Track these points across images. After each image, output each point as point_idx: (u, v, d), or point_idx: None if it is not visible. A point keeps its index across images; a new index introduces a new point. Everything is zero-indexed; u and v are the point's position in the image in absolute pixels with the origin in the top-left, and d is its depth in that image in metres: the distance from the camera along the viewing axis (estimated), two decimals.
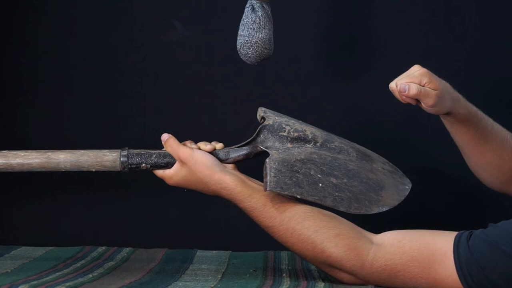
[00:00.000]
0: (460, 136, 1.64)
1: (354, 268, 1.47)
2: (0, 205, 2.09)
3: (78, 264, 1.72)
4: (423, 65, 2.08)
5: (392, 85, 1.56)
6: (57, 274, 1.59)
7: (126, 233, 2.05)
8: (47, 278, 1.54)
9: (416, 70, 1.56)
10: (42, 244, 1.94)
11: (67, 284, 1.47)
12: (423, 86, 1.54)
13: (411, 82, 1.54)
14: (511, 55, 2.07)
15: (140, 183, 1.98)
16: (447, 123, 1.64)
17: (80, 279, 1.54)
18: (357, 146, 1.64)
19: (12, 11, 2.10)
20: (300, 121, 1.63)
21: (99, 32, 2.10)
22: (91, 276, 1.58)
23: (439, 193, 2.06)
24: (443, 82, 1.57)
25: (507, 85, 2.07)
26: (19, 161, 1.56)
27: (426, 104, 1.55)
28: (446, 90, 1.56)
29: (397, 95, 1.56)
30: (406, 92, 1.53)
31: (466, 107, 1.60)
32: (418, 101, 1.56)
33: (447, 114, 1.59)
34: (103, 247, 1.92)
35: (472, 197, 1.88)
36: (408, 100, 1.55)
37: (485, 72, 2.08)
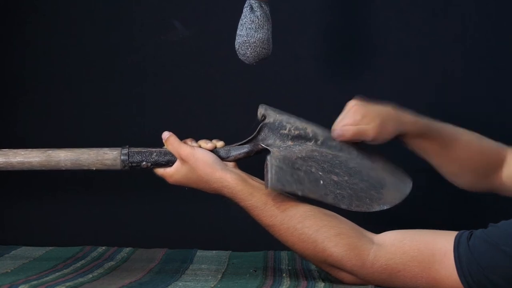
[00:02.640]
0: (422, 150, 1.64)
1: (355, 267, 1.47)
2: (0, 205, 2.09)
3: (78, 264, 1.72)
4: (424, 65, 2.08)
5: (333, 133, 1.57)
6: (57, 274, 1.59)
7: (126, 233, 2.05)
8: (47, 278, 1.54)
9: (349, 109, 1.57)
10: (42, 244, 1.94)
11: (67, 284, 1.47)
12: (358, 124, 1.54)
13: (345, 124, 1.55)
14: (511, 55, 2.07)
15: (140, 183, 1.97)
16: (404, 142, 1.63)
17: (80, 279, 1.53)
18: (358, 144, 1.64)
19: (12, 11, 2.10)
20: (301, 119, 1.62)
21: (99, 32, 2.10)
22: (91, 276, 1.58)
23: (439, 193, 2.06)
24: (382, 108, 1.57)
25: (507, 85, 2.07)
26: (19, 159, 1.56)
27: (367, 140, 1.56)
28: (386, 117, 1.56)
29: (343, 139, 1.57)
30: (343, 137, 1.55)
31: (415, 124, 1.59)
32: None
33: (398, 136, 1.59)
34: (103, 247, 1.92)
35: (472, 197, 1.88)
36: (355, 139, 1.56)
37: (485, 72, 2.08)
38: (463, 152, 1.63)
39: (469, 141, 1.65)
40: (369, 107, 1.56)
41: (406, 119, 1.59)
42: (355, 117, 1.55)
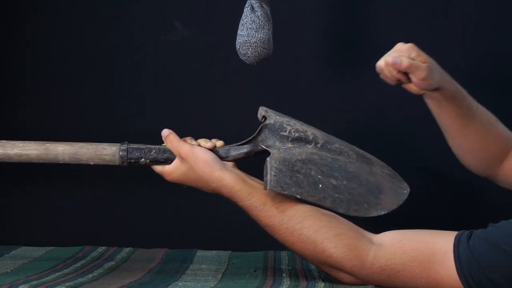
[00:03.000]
0: (445, 116, 1.59)
1: (354, 268, 1.47)
2: (0, 205, 2.09)
3: (78, 264, 1.71)
4: None
5: (380, 63, 1.52)
6: (57, 274, 1.59)
7: (126, 233, 2.05)
8: (47, 278, 1.54)
9: (402, 45, 1.53)
10: (42, 244, 1.94)
11: (67, 284, 1.47)
12: (413, 59, 1.50)
13: (401, 56, 1.50)
14: (511, 55, 2.07)
15: (140, 183, 1.98)
16: (434, 102, 1.58)
17: (80, 279, 1.53)
18: (357, 148, 1.64)
19: (12, 11, 2.10)
20: (301, 122, 1.63)
21: (99, 32, 2.10)
22: (91, 276, 1.58)
23: (439, 193, 2.06)
24: (430, 57, 1.54)
25: (508, 85, 2.07)
26: (17, 151, 1.55)
27: (418, 77, 1.50)
28: (434, 64, 1.53)
29: (386, 72, 1.52)
30: (398, 64, 1.49)
31: (452, 83, 1.56)
32: (407, 77, 1.51)
33: (436, 90, 1.54)
34: (103, 247, 1.92)
35: (472, 197, 1.88)
36: (399, 76, 1.51)
37: (485, 72, 2.08)
38: (481, 129, 1.59)
39: (488, 120, 1.61)
40: (421, 50, 1.52)
41: (447, 76, 1.56)
42: (411, 53, 1.50)
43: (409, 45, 1.52)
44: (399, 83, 1.54)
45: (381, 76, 1.54)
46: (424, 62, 1.50)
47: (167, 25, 2.07)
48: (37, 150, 1.55)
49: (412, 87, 1.53)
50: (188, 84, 2.09)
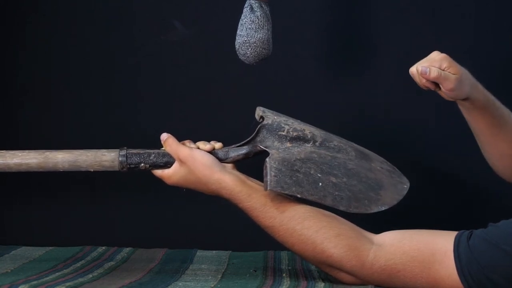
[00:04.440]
0: (476, 123, 1.63)
1: (355, 268, 1.47)
2: (0, 205, 2.09)
3: (78, 264, 1.72)
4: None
5: (413, 69, 1.57)
6: (57, 274, 1.59)
7: (126, 233, 2.05)
8: (47, 278, 1.54)
9: (436, 55, 1.57)
10: (42, 244, 1.94)
11: (67, 284, 1.47)
12: (443, 70, 1.54)
13: (432, 66, 1.54)
14: (511, 55, 2.07)
15: (140, 183, 1.97)
16: (465, 110, 1.63)
17: (80, 279, 1.53)
18: (355, 145, 1.65)
19: (12, 11, 2.10)
20: (299, 121, 1.63)
21: (99, 32, 2.10)
22: (91, 276, 1.58)
23: (439, 193, 2.06)
24: (463, 68, 1.57)
25: (508, 85, 2.07)
26: (16, 161, 1.55)
27: (446, 88, 1.55)
28: (465, 76, 1.57)
29: (417, 79, 1.57)
30: (427, 74, 1.54)
31: (483, 94, 1.60)
32: (437, 86, 1.56)
33: (465, 99, 1.59)
34: (103, 247, 1.92)
35: (472, 197, 1.88)
36: (428, 85, 1.56)
37: (485, 72, 2.08)
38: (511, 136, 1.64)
39: None
40: (454, 61, 1.57)
41: (479, 87, 1.60)
42: (442, 63, 1.54)
43: (443, 55, 1.56)
44: (430, 89, 1.58)
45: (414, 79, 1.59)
46: (454, 74, 1.54)
47: (167, 25, 2.07)
48: (37, 159, 1.55)
49: (442, 95, 1.58)
50: (187, 84, 2.09)
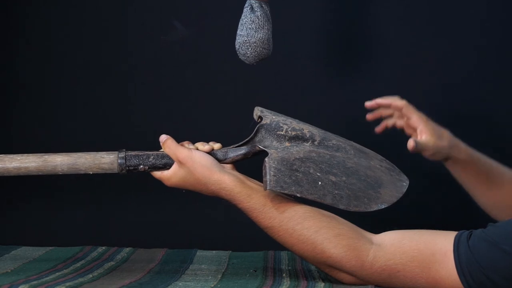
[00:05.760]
0: (464, 179, 1.73)
1: (354, 268, 1.47)
2: (0, 205, 2.09)
3: (78, 264, 1.72)
4: (424, 65, 2.08)
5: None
6: (57, 274, 1.59)
7: (126, 233, 2.05)
8: (47, 278, 1.54)
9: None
10: (42, 244, 1.94)
11: (67, 284, 1.47)
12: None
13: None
14: (511, 55, 2.07)
15: (140, 183, 1.97)
16: (449, 167, 1.72)
17: (80, 279, 1.54)
18: (354, 144, 1.65)
19: (12, 11, 2.10)
20: (297, 120, 1.63)
21: (99, 32, 2.10)
22: (91, 276, 1.58)
23: (439, 193, 2.06)
24: (441, 129, 1.68)
25: (508, 85, 2.07)
26: (15, 165, 1.55)
27: (425, 154, 1.67)
28: (442, 135, 1.68)
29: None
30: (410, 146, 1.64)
31: (465, 152, 1.69)
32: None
33: (446, 159, 1.69)
34: (103, 247, 1.92)
35: (472, 197, 1.88)
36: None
37: (486, 72, 2.08)
38: (505, 188, 1.70)
39: (510, 179, 1.71)
40: (431, 123, 1.68)
41: (460, 145, 1.69)
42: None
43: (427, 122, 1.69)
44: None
45: None
46: (435, 139, 1.67)
47: (167, 25, 2.07)
48: (36, 162, 1.55)
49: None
50: (187, 84, 2.09)
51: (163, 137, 1.59)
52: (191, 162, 1.54)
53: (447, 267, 1.42)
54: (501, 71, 2.07)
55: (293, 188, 1.49)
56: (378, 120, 1.94)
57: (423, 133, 1.66)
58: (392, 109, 1.73)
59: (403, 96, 2.04)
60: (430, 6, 2.07)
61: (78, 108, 2.11)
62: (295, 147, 1.57)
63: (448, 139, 1.68)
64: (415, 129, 1.70)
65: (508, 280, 1.37)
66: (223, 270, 1.68)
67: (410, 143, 1.62)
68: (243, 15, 1.73)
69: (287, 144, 1.58)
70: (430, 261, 1.43)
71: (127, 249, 1.92)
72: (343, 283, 1.51)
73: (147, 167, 1.57)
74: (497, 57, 2.07)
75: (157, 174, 1.58)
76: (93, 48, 2.11)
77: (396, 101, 1.73)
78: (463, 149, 1.69)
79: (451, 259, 1.41)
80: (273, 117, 1.61)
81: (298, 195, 1.50)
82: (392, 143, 2.02)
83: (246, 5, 1.73)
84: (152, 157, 1.57)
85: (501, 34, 2.06)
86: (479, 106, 2.08)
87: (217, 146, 1.59)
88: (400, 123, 1.75)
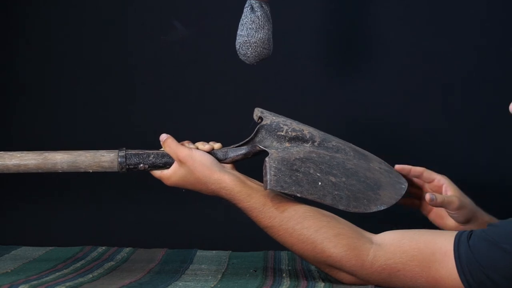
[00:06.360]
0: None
1: (354, 268, 1.47)
2: (0, 205, 2.09)
3: (78, 264, 1.72)
4: (424, 65, 2.09)
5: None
6: (57, 274, 1.59)
7: (126, 233, 2.05)
8: (47, 278, 1.54)
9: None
10: (42, 244, 1.94)
11: (67, 284, 1.47)
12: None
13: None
14: (511, 55, 2.07)
15: (140, 183, 1.98)
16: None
17: (80, 279, 1.54)
18: (353, 146, 1.65)
19: (12, 11, 2.10)
20: (297, 121, 1.63)
21: (99, 32, 2.10)
22: (91, 276, 1.58)
23: None
24: (467, 197, 1.64)
25: (508, 84, 2.07)
26: (15, 162, 1.55)
27: (450, 209, 1.61)
28: (464, 195, 1.64)
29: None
30: (434, 201, 1.58)
31: (487, 217, 1.65)
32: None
33: (469, 220, 1.63)
34: (103, 247, 1.92)
35: (471, 197, 1.88)
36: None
37: (486, 72, 2.08)
38: None
39: None
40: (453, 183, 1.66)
41: (479, 213, 1.65)
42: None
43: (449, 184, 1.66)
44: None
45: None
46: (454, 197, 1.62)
47: (167, 25, 2.07)
48: (36, 160, 1.55)
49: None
50: (187, 84, 2.09)
51: (163, 136, 1.59)
52: (191, 161, 1.54)
53: (447, 267, 1.42)
54: (501, 71, 2.07)
55: (293, 188, 1.49)
56: (378, 120, 1.96)
57: (448, 190, 1.63)
58: (412, 176, 1.67)
59: (403, 96, 2.04)
60: (430, 6, 2.07)
61: (78, 108, 2.11)
62: (295, 147, 1.57)
63: (470, 201, 1.65)
64: (440, 187, 1.66)
65: (508, 279, 1.37)
66: (223, 270, 1.68)
67: (427, 197, 1.58)
68: (243, 15, 1.73)
69: (287, 144, 1.58)
70: (430, 260, 1.43)
71: (127, 249, 1.92)
72: (343, 283, 1.51)
73: (147, 166, 1.57)
74: (497, 57, 2.07)
75: (157, 173, 1.58)
76: (93, 48, 2.11)
77: (416, 168, 1.69)
78: (485, 214, 1.66)
79: (451, 258, 1.41)
80: (273, 117, 1.61)
81: (298, 195, 1.50)
82: (392, 144, 2.02)
83: (246, 5, 1.73)
84: (152, 155, 1.57)
85: (501, 34, 2.07)
86: (479, 106, 2.08)
87: (217, 145, 1.59)
88: (416, 202, 1.70)
